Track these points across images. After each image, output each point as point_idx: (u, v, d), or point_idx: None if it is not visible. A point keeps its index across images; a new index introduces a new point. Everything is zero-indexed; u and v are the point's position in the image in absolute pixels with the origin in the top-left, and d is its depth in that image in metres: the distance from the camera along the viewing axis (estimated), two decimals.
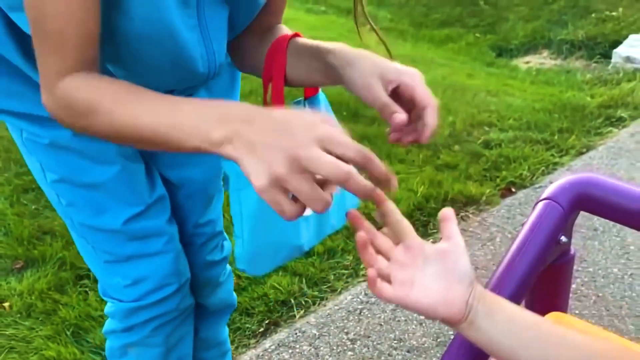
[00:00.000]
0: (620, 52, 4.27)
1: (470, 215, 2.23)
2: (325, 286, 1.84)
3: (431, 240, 1.99)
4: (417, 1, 7.16)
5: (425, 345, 1.60)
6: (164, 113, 0.60)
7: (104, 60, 0.73)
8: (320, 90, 0.96)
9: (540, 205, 0.68)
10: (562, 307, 0.75)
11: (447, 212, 0.61)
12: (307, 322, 1.68)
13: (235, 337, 1.63)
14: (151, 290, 0.97)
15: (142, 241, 0.96)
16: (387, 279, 0.59)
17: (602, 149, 2.76)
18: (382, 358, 1.57)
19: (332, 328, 1.66)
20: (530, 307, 0.77)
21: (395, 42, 5.75)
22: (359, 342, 1.62)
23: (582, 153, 2.75)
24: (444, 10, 6.81)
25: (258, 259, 0.88)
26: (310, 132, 0.52)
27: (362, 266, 1.93)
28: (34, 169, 0.94)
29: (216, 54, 0.81)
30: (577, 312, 1.70)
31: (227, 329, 1.30)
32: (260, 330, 1.67)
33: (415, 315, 1.70)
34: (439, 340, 1.62)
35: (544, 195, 0.69)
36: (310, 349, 1.59)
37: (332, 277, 1.88)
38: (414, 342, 1.61)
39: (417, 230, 1.98)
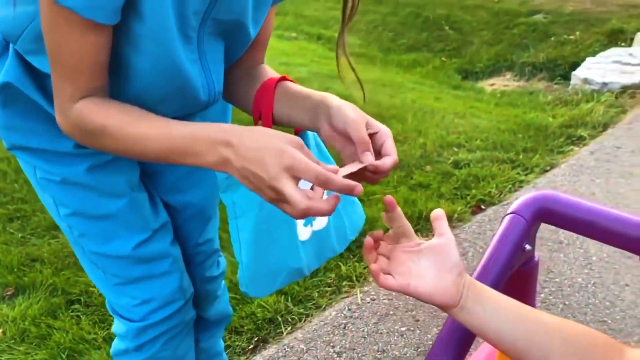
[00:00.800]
0: (578, 74, 4.51)
1: None
2: (310, 303, 1.93)
3: None
4: (385, 27, 7.38)
5: (407, 355, 1.70)
6: (164, 137, 0.72)
7: (116, 91, 0.81)
8: None
9: (506, 218, 0.79)
10: (529, 305, 0.86)
11: (438, 212, 0.72)
12: (295, 338, 1.77)
13: (226, 354, 1.70)
14: (159, 307, 1.05)
15: (150, 264, 1.04)
16: (388, 273, 0.69)
17: (565, 167, 2.93)
18: None
19: (318, 342, 1.75)
20: None
21: (365, 67, 5.91)
22: (344, 354, 1.71)
23: (546, 171, 2.92)
24: (411, 36, 7.04)
25: (258, 282, 0.94)
26: (279, 163, 0.65)
27: (344, 283, 2.03)
28: (47, 204, 1.01)
29: (215, 83, 0.90)
30: None
31: (222, 342, 1.38)
32: (249, 348, 1.74)
33: (397, 327, 1.80)
34: (419, 350, 1.72)
35: (509, 210, 0.80)
36: None
37: (316, 294, 1.97)
38: (397, 353, 1.71)
39: None
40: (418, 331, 1.79)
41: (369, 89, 5.03)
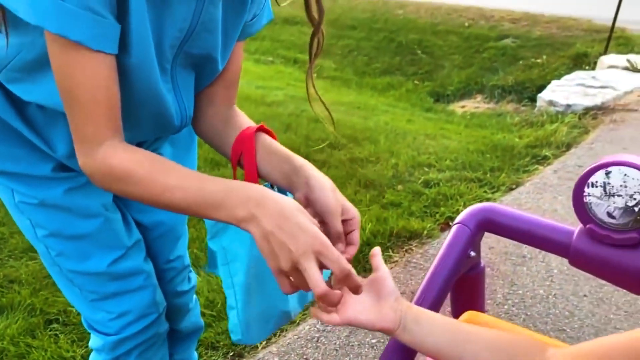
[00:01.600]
0: (543, 96, 4.69)
1: (414, 248, 2.44)
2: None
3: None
4: (359, 51, 7.56)
5: None
6: (193, 190, 0.75)
7: None
8: None
9: (454, 228, 0.88)
10: (478, 307, 0.95)
11: (374, 250, 0.80)
12: (270, 352, 1.82)
13: None
14: (134, 320, 1.10)
15: (124, 280, 1.09)
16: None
17: (529, 185, 3.06)
18: None
19: (292, 356, 1.81)
20: (454, 307, 0.96)
21: (340, 90, 6.04)
22: None
23: (511, 189, 3.04)
24: (385, 60, 7.23)
25: (252, 327, 0.94)
26: (311, 243, 0.69)
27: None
28: (24, 226, 1.04)
29: (187, 109, 0.97)
30: None
31: (196, 354, 1.43)
32: None
33: (367, 339, 1.87)
34: None
35: (456, 221, 0.89)
36: None
37: None
38: None
39: (365, 263, 2.18)
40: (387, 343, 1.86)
41: (344, 111, 5.14)
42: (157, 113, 0.91)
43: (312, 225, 0.70)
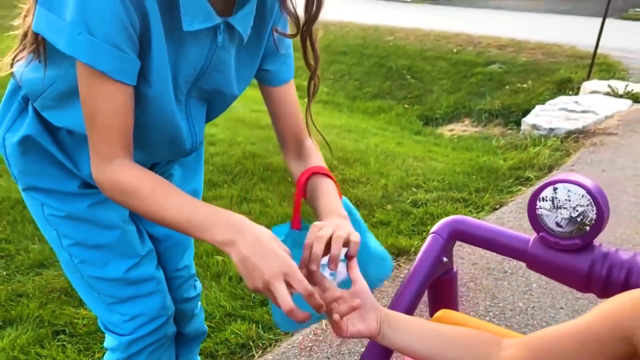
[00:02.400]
0: (528, 120, 4.87)
1: (402, 264, 2.57)
2: (279, 330, 2.11)
3: None
4: (351, 76, 7.76)
5: None
6: (185, 213, 0.87)
7: None
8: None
9: (429, 237, 1.02)
10: (451, 306, 1.08)
11: (352, 263, 0.90)
12: None
13: None
14: (146, 322, 1.23)
15: (138, 285, 1.21)
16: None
17: (512, 205, 3.21)
18: None
19: None
20: (431, 306, 1.09)
21: (332, 114, 6.20)
22: None
23: (495, 209, 3.19)
24: (375, 84, 7.43)
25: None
26: (280, 266, 0.81)
27: None
28: (51, 237, 1.18)
29: (197, 135, 1.11)
30: None
31: (199, 358, 1.55)
32: None
33: (357, 348, 1.99)
34: None
35: (431, 231, 1.02)
36: None
37: None
38: None
39: None
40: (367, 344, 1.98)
41: (336, 134, 5.29)
42: (172, 137, 1.05)
43: (282, 252, 0.83)
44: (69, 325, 2.06)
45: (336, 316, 0.84)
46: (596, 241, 0.90)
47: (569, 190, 0.88)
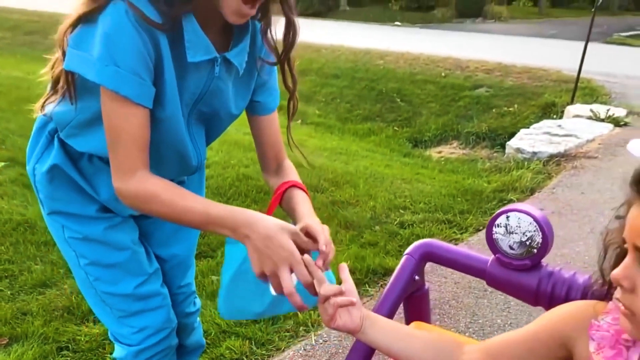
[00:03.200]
0: (512, 144, 5.05)
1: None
2: (271, 346, 2.23)
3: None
4: (342, 98, 7.95)
5: None
6: (203, 213, 1.04)
7: None
8: None
9: (403, 258, 1.16)
10: (424, 319, 1.21)
11: (341, 265, 1.05)
12: None
13: None
14: (152, 334, 1.36)
15: (146, 300, 1.35)
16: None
17: None
18: None
19: None
20: (406, 319, 1.23)
21: (323, 136, 6.36)
22: None
23: (478, 230, 3.33)
24: (366, 107, 7.62)
25: (230, 305, 1.21)
26: (287, 257, 0.98)
27: (301, 328, 2.34)
28: (70, 256, 1.31)
29: (201, 154, 1.27)
30: None
31: None
32: None
33: None
34: None
35: (405, 252, 1.17)
36: None
37: (276, 338, 2.27)
38: None
39: None
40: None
41: (327, 156, 5.43)
42: (181, 154, 1.21)
43: (290, 244, 1.00)
44: (72, 341, 2.17)
45: (335, 304, 0.98)
46: (544, 261, 1.05)
47: (519, 218, 1.03)
